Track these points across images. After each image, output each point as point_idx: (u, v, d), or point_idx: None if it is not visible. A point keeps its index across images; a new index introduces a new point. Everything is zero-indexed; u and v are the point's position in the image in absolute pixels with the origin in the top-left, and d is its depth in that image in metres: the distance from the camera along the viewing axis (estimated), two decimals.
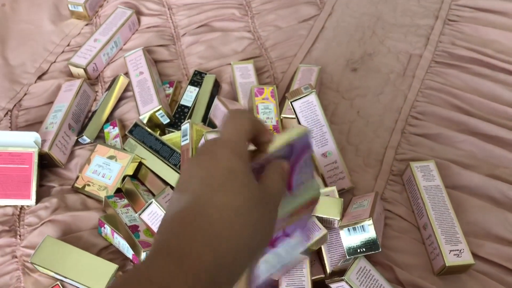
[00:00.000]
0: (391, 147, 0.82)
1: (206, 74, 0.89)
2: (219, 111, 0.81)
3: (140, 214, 0.68)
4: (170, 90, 0.89)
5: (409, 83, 0.90)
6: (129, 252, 0.68)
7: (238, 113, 0.34)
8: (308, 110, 0.73)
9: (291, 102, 0.73)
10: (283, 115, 0.79)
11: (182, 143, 0.75)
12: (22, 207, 0.75)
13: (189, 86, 0.88)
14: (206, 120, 0.83)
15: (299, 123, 0.73)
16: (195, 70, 0.90)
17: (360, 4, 1.04)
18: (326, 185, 0.74)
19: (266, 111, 0.79)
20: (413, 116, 0.86)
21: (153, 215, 0.67)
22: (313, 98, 0.73)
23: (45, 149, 0.76)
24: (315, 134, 0.73)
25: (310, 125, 0.73)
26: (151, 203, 0.67)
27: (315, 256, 0.67)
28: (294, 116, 0.74)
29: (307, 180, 0.38)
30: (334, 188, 0.69)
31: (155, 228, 0.67)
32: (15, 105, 0.88)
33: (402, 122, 0.85)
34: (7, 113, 0.87)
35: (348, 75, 0.92)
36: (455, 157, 0.79)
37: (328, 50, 0.96)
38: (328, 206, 0.66)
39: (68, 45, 0.97)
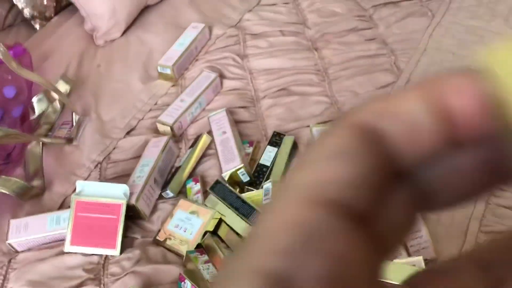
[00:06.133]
0: (475, 218, 0.79)
1: (285, 135, 0.92)
2: None
3: None
4: (249, 150, 0.91)
5: None
6: None
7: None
8: None
9: None
10: None
11: (264, 202, 0.77)
12: (106, 257, 0.78)
13: (268, 146, 0.90)
14: None
15: None
16: (274, 131, 0.93)
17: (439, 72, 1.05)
18: (409, 255, 0.72)
19: None
20: None
21: None
22: None
23: (132, 201, 0.80)
24: None
25: None
26: None
27: None
28: None
29: None
30: (420, 258, 0.68)
31: None
32: (104, 158, 0.94)
33: None
34: (97, 165, 0.92)
35: None
36: None
37: None
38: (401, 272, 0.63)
39: (155, 104, 1.03)
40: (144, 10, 1.25)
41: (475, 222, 0.79)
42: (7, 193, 0.82)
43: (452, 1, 1.23)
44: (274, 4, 1.25)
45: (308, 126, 0.94)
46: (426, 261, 0.72)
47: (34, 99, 0.96)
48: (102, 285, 0.74)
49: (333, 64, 1.08)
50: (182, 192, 0.87)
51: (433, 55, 1.09)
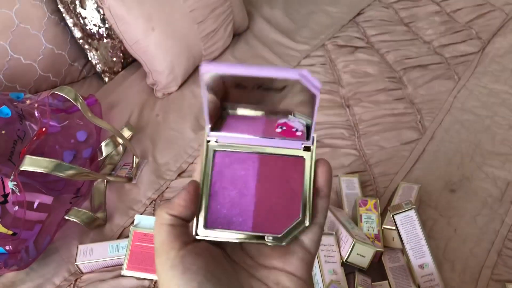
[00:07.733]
0: (487, 266, 0.87)
1: None
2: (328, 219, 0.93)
3: None
4: None
5: (506, 208, 0.96)
6: None
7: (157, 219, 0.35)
8: (407, 223, 0.83)
9: (392, 215, 0.83)
10: (384, 226, 0.89)
11: None
12: (156, 281, 0.90)
13: None
14: None
15: (399, 234, 0.83)
16: None
17: (460, 132, 1.15)
18: None
19: (369, 220, 0.90)
20: (510, 240, 0.91)
21: None
22: (412, 213, 0.83)
23: None
24: (413, 246, 0.82)
25: (409, 237, 0.82)
26: None
27: None
28: (394, 227, 0.84)
29: None
30: None
31: None
32: (158, 196, 1.08)
33: (499, 244, 0.90)
34: (151, 202, 1.07)
35: (446, 195, 1.00)
36: None
37: (427, 171, 1.06)
38: None
39: None
40: (198, 67, 1.43)
41: (487, 270, 0.87)
42: (78, 222, 0.97)
43: (478, 65, 1.34)
44: (312, 65, 1.39)
45: (337, 175, 1.05)
46: None
47: (103, 143, 1.13)
48: None
49: (363, 121, 1.20)
50: None
51: (457, 115, 1.19)
